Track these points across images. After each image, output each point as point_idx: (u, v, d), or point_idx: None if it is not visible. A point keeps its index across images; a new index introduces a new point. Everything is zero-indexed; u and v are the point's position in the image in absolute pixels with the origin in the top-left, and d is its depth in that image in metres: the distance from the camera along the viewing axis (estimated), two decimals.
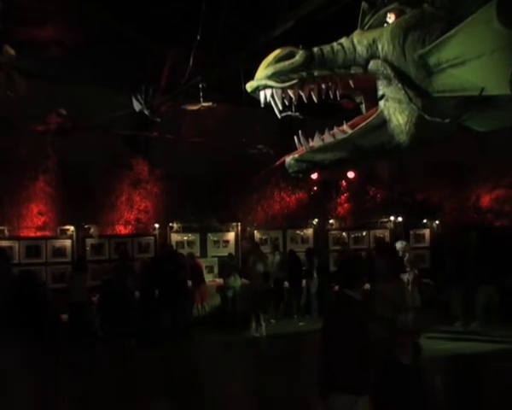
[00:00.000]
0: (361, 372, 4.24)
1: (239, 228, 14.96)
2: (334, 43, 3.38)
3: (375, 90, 3.43)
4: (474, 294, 11.75)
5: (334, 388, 4.18)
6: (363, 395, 4.24)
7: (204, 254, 14.50)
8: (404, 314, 6.35)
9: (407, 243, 10.16)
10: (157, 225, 14.14)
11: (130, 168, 14.00)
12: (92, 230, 13.51)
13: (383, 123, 3.38)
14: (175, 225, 14.35)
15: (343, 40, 3.40)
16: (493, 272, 11.58)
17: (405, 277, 8.68)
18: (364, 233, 16.09)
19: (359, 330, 4.31)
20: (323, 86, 3.32)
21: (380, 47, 3.31)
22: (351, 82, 3.38)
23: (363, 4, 3.57)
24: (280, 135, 10.71)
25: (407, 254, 9.90)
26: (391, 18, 3.40)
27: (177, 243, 14.23)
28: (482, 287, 11.71)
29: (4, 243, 12.40)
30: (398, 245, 8.73)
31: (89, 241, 13.49)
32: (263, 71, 3.25)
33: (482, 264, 11.61)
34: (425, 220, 16.16)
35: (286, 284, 13.94)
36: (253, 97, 3.38)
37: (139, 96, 9.97)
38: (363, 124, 3.42)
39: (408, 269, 9.36)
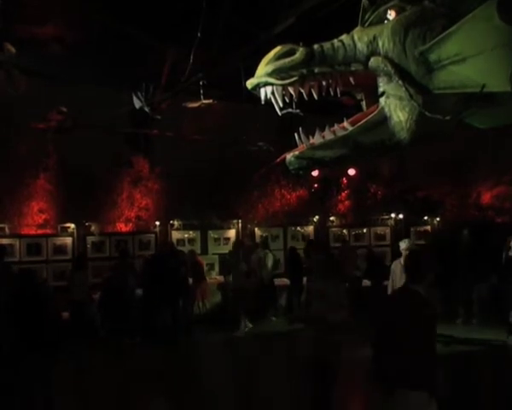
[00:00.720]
0: (429, 369, 4.23)
1: (239, 225, 14.97)
2: (335, 40, 3.38)
3: (376, 87, 3.43)
4: (469, 292, 11.74)
5: (401, 384, 4.16)
6: (432, 392, 4.23)
7: (205, 251, 14.51)
8: (337, 313, 6.22)
9: (411, 240, 9.90)
10: (158, 223, 14.15)
11: (130, 166, 14.00)
12: (93, 227, 13.52)
13: (384, 120, 3.38)
14: (175, 223, 14.36)
15: (343, 37, 3.40)
16: (485, 271, 11.50)
17: None
18: (365, 230, 16.09)
19: (428, 327, 4.30)
20: (324, 83, 3.32)
21: (380, 44, 3.31)
22: (351, 79, 3.38)
23: (364, 1, 3.57)
24: (280, 132, 10.70)
25: None
26: (391, 15, 3.40)
27: (177, 240, 14.23)
28: (476, 285, 11.68)
29: (5, 241, 12.39)
30: (403, 245, 8.52)
31: (89, 239, 13.50)
32: (263, 68, 3.24)
33: (474, 262, 11.56)
34: (426, 217, 16.16)
35: (276, 282, 13.92)
36: (253, 95, 3.38)
37: (139, 94, 9.97)
38: (364, 121, 3.42)
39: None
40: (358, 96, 3.72)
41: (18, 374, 7.24)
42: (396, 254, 9.63)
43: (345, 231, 15.97)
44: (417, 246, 11.45)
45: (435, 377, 4.29)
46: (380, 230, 16.18)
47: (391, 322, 4.38)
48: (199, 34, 7.39)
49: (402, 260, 8.35)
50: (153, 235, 14.15)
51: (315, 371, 6.24)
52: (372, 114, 3.42)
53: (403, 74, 3.25)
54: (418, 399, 4.15)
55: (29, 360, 7.18)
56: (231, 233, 14.94)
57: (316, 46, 3.31)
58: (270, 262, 13.70)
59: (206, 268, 13.68)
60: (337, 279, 6.56)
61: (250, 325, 12.12)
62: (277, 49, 3.27)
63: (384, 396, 4.28)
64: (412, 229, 16.01)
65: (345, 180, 15.97)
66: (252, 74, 3.33)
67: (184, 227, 14.47)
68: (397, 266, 8.47)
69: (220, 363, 10.15)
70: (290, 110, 3.40)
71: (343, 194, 16.08)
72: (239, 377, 9.29)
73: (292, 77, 3.21)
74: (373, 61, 3.30)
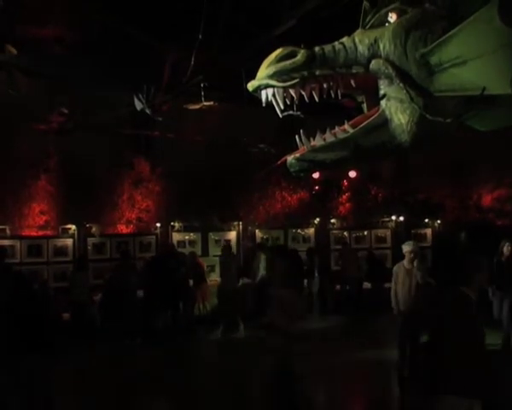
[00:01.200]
0: (478, 375, 4.12)
1: (240, 227, 14.97)
2: (336, 43, 3.38)
3: (377, 89, 3.43)
4: None
5: (448, 389, 4.10)
6: (478, 399, 4.13)
7: (205, 253, 14.51)
8: (295, 323, 6.05)
9: (415, 243, 9.43)
10: (158, 225, 14.15)
11: (131, 167, 14.01)
12: (94, 229, 13.53)
13: (385, 122, 3.38)
14: (176, 225, 14.36)
15: (344, 39, 3.40)
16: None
17: (414, 278, 8.27)
18: (366, 233, 16.09)
19: (479, 332, 4.21)
20: (325, 86, 3.31)
21: (381, 46, 3.30)
22: (352, 81, 3.38)
23: (365, 4, 3.57)
24: (281, 134, 10.71)
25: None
26: (392, 17, 3.40)
27: (178, 242, 14.23)
28: None
29: (6, 242, 12.40)
30: (407, 247, 8.25)
31: (90, 240, 13.50)
32: (264, 70, 3.24)
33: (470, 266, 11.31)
34: (426, 220, 16.16)
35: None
36: (254, 97, 3.38)
37: (141, 96, 9.97)
38: (365, 123, 3.41)
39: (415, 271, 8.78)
40: (359, 99, 3.72)
41: (16, 374, 7.24)
42: (398, 256, 9.51)
43: (345, 233, 15.97)
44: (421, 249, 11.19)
45: (484, 383, 4.16)
46: (380, 232, 16.17)
47: (441, 326, 4.28)
48: (200, 36, 7.40)
49: (405, 262, 8.28)
50: (153, 236, 14.15)
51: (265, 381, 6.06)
52: (373, 117, 3.42)
53: (404, 77, 3.25)
54: (461, 407, 4.08)
55: (27, 360, 7.17)
56: (232, 235, 14.95)
57: (317, 48, 3.31)
58: (262, 265, 13.74)
59: (206, 270, 13.67)
60: (298, 287, 6.29)
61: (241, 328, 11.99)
62: (278, 51, 3.27)
63: (424, 400, 4.22)
64: (413, 231, 16.00)
65: (345, 182, 15.98)
66: (253, 76, 3.33)
67: (185, 229, 14.48)
68: (400, 269, 8.35)
69: (220, 364, 10.14)
70: (291, 112, 3.39)
71: (344, 196, 16.08)
72: (238, 379, 9.27)
73: (293, 79, 3.21)
74: (374, 64, 3.30)
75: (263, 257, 13.90)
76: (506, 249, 9.75)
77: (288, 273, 6.39)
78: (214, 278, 14.20)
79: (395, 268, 8.51)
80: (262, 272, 13.64)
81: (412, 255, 8.14)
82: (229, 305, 11.97)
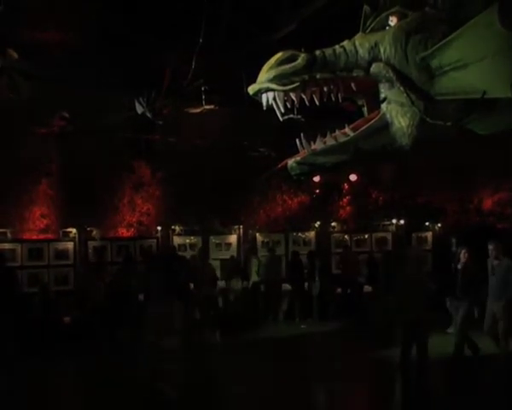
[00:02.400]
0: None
1: (241, 231, 14.96)
2: (337, 46, 3.39)
3: (377, 93, 3.43)
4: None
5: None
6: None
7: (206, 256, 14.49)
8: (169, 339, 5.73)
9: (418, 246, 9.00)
10: (159, 228, 14.15)
11: (132, 171, 14.02)
12: (94, 232, 13.54)
13: (385, 126, 3.38)
14: (177, 228, 14.36)
15: (345, 43, 3.41)
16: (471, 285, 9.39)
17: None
18: (366, 236, 16.08)
19: None
20: (325, 89, 3.32)
21: (382, 50, 3.31)
22: (353, 85, 3.38)
23: (365, 7, 3.58)
24: (281, 138, 10.71)
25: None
26: (393, 21, 3.41)
27: (179, 245, 14.22)
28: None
29: (7, 246, 12.42)
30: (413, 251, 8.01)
31: (91, 243, 13.50)
32: (265, 74, 3.25)
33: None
34: (427, 223, 16.15)
35: (262, 288, 13.90)
36: (255, 100, 3.39)
37: (141, 99, 9.99)
38: (365, 127, 3.42)
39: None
40: (360, 102, 3.72)
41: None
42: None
43: (346, 236, 15.96)
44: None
45: None
46: (381, 235, 16.17)
47: None
48: (201, 40, 7.42)
49: None
50: (154, 240, 14.15)
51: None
52: (373, 120, 3.43)
53: (404, 80, 3.25)
54: None
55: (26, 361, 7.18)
56: (233, 238, 14.94)
57: (317, 52, 3.32)
58: (254, 268, 13.77)
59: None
60: (177, 300, 5.93)
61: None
62: (279, 55, 3.28)
63: None
64: (414, 235, 16.00)
65: (346, 186, 15.97)
66: (253, 80, 3.34)
67: (186, 232, 14.47)
68: None
69: (222, 367, 10.12)
70: (292, 116, 3.40)
71: (344, 199, 16.07)
72: (237, 382, 9.26)
73: (293, 83, 3.21)
74: (374, 67, 3.31)
75: (255, 261, 13.95)
76: (463, 256, 9.08)
77: (166, 285, 6.06)
78: None
79: None
80: (254, 276, 13.70)
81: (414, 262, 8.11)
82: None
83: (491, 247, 8.80)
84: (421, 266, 8.27)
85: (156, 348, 9.87)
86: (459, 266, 9.11)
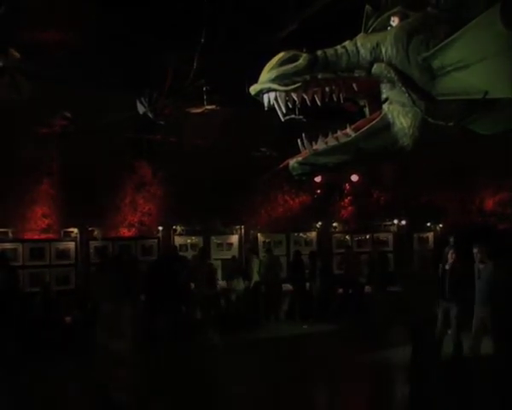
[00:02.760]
0: None
1: (242, 231, 14.97)
2: (338, 47, 3.38)
3: (379, 93, 3.43)
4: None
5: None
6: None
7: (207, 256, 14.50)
8: (119, 342, 5.66)
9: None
10: (160, 228, 14.16)
11: (133, 171, 14.02)
12: (96, 232, 13.54)
13: (387, 126, 3.38)
14: (178, 228, 14.36)
15: (347, 43, 3.40)
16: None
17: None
18: (368, 236, 16.08)
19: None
20: (327, 89, 3.32)
21: (383, 50, 3.31)
22: (354, 85, 3.38)
23: (367, 8, 3.57)
24: (283, 138, 10.71)
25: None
26: (394, 21, 3.40)
27: (180, 245, 14.23)
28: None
29: (8, 246, 12.43)
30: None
31: (92, 243, 13.51)
32: (266, 74, 3.25)
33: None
34: (429, 223, 16.14)
35: (263, 288, 13.91)
36: (256, 100, 3.39)
37: (143, 99, 9.99)
38: (367, 127, 3.41)
39: None
40: (361, 103, 3.72)
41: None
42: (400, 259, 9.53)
43: (348, 236, 15.96)
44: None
45: None
46: (382, 236, 16.16)
47: None
48: (202, 40, 7.42)
49: None
50: (155, 240, 14.16)
51: None
52: (375, 121, 3.42)
53: (406, 81, 3.25)
54: None
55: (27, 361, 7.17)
56: (234, 239, 14.94)
57: (319, 52, 3.31)
58: (255, 268, 13.77)
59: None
60: (126, 301, 5.83)
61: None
62: (280, 55, 3.27)
63: None
64: (415, 235, 15.99)
65: (348, 186, 15.96)
66: (255, 80, 3.34)
67: (187, 232, 14.48)
68: None
69: (224, 367, 10.12)
70: (293, 116, 3.40)
71: (346, 200, 16.07)
72: (238, 381, 9.26)
73: (295, 83, 3.21)
74: (376, 68, 3.31)
75: (256, 261, 13.95)
76: (450, 256, 8.95)
77: (116, 286, 5.94)
78: None
79: None
80: (255, 276, 13.70)
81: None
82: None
83: (475, 250, 8.54)
84: (428, 265, 8.25)
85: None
86: (447, 267, 8.96)
